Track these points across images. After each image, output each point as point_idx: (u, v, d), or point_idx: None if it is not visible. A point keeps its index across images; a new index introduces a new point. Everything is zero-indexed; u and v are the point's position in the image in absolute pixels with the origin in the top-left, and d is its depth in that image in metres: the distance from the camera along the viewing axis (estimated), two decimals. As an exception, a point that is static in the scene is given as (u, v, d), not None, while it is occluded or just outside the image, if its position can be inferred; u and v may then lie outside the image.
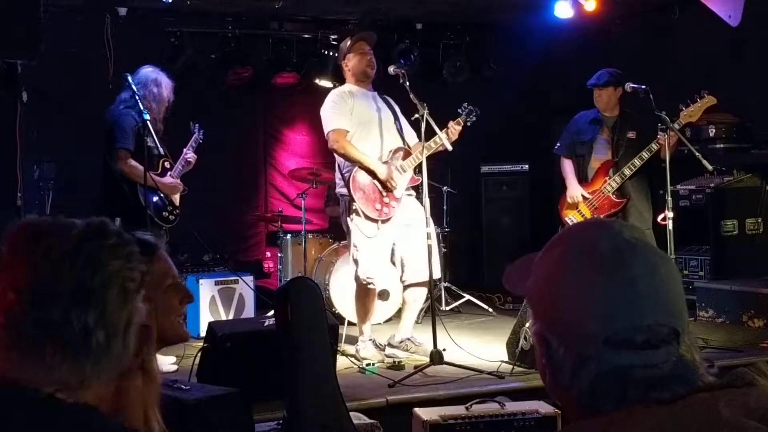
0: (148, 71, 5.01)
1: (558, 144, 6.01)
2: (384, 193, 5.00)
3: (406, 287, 5.18)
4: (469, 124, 5.19)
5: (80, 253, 1.17)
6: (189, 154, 5.16)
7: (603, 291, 1.02)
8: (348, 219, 5.08)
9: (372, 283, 5.01)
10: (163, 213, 4.97)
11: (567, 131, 5.95)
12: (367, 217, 4.97)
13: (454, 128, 5.05)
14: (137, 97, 4.63)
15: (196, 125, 5.28)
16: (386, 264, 5.12)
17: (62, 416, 1.11)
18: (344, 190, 5.07)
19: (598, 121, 5.74)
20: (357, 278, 5.06)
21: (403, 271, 5.12)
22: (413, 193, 5.20)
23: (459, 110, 5.20)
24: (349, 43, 5.16)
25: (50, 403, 1.12)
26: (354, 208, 4.98)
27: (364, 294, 5.10)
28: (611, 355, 1.01)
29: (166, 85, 5.01)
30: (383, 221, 4.99)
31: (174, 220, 5.05)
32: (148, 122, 4.53)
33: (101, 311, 1.15)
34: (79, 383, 1.15)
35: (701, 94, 5.30)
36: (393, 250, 5.13)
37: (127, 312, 1.19)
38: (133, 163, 4.81)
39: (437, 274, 5.10)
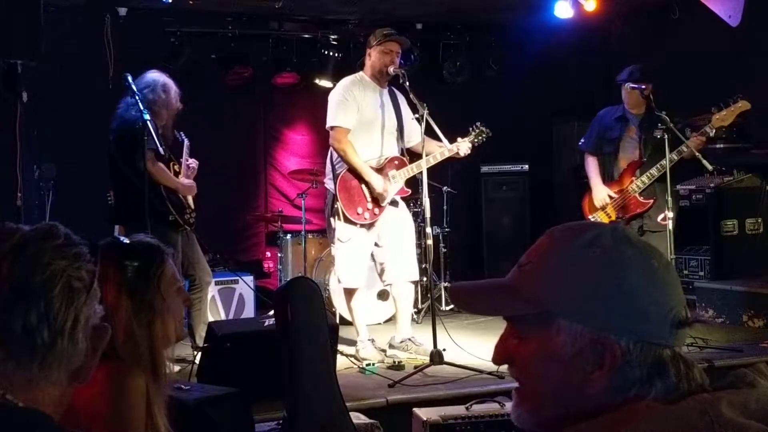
0: (155, 76, 4.95)
1: (583, 140, 5.88)
2: (369, 199, 4.98)
3: (391, 286, 5.20)
4: (477, 144, 5.20)
5: (22, 253, 1.17)
6: (190, 161, 5.17)
7: (660, 278, 1.05)
8: (329, 216, 5.09)
9: (343, 282, 5.08)
10: (185, 216, 4.98)
11: (592, 127, 5.81)
12: (347, 220, 4.96)
13: (460, 146, 5.07)
14: (137, 98, 4.62)
15: (181, 133, 5.24)
16: (362, 265, 5.10)
17: (8, 419, 1.11)
18: (331, 185, 5.07)
19: (625, 118, 5.62)
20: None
21: (384, 271, 5.13)
22: (398, 201, 5.16)
23: (470, 129, 5.20)
24: (381, 37, 5.04)
25: None
26: (336, 207, 4.98)
27: (346, 292, 5.18)
28: (675, 338, 1.04)
29: (174, 92, 4.99)
30: (362, 225, 4.99)
31: (193, 222, 5.06)
32: (149, 122, 4.53)
33: (44, 310, 1.15)
34: (27, 383, 1.14)
35: (735, 99, 5.22)
36: (374, 251, 5.15)
37: (74, 310, 1.18)
38: (161, 164, 4.84)
39: (415, 276, 5.14)
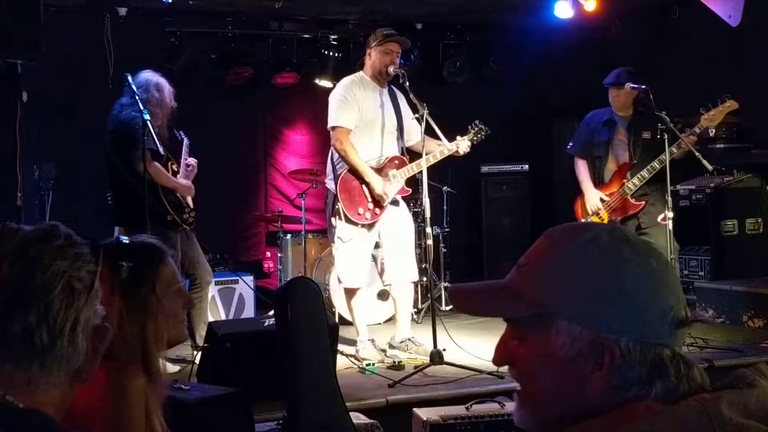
0: (148, 75, 4.93)
1: (571, 144, 5.89)
2: (370, 199, 4.98)
3: (390, 286, 5.20)
4: (476, 143, 5.21)
5: (23, 254, 1.16)
6: (189, 159, 5.16)
7: (659, 277, 1.05)
8: (330, 216, 5.09)
9: (344, 282, 5.09)
10: (183, 215, 4.97)
11: (580, 131, 5.82)
12: (348, 220, 4.96)
13: (459, 144, 5.08)
14: (137, 98, 4.61)
15: (181, 132, 5.24)
16: (363, 265, 5.11)
17: (9, 420, 1.10)
18: (332, 185, 5.07)
19: (613, 121, 5.62)
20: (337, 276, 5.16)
21: (384, 271, 5.13)
22: (399, 200, 5.16)
23: (469, 127, 5.21)
24: (381, 37, 5.04)
25: None
26: (337, 207, 4.98)
27: (346, 292, 5.18)
28: (674, 337, 1.04)
29: (168, 91, 4.96)
30: (363, 225, 4.99)
31: (192, 222, 5.05)
32: (149, 122, 4.52)
33: (44, 311, 1.14)
34: (27, 384, 1.14)
35: (722, 99, 5.22)
36: (374, 251, 5.15)
37: (74, 311, 1.17)
38: (157, 164, 4.82)
39: (415, 276, 5.15)
